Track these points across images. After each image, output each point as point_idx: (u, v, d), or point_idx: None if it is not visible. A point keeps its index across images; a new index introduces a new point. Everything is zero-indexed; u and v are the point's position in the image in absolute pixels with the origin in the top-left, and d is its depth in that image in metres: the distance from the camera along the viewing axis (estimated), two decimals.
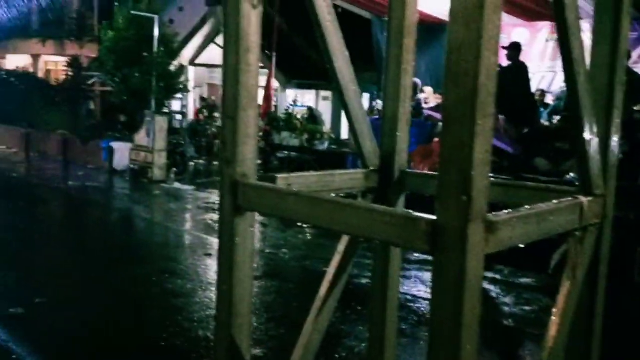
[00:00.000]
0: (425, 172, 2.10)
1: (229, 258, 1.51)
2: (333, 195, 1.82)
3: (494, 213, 1.27)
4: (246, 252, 1.54)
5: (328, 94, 18.09)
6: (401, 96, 1.91)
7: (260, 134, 16.90)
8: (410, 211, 1.30)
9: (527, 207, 1.45)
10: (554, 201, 1.57)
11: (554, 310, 1.69)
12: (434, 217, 1.22)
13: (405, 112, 1.95)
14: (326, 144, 15.50)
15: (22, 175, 14.99)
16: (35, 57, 23.73)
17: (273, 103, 15.81)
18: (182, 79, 15.43)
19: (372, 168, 1.98)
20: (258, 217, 9.59)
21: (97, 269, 7.59)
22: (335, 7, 1.83)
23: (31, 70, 23.32)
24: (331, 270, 1.93)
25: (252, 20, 1.51)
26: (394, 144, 1.95)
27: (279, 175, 1.64)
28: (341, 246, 1.94)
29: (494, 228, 1.26)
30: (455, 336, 1.17)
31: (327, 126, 17.30)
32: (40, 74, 23.63)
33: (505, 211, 1.35)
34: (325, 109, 18.21)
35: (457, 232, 1.16)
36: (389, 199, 1.97)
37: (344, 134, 17.36)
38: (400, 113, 1.93)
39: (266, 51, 12.95)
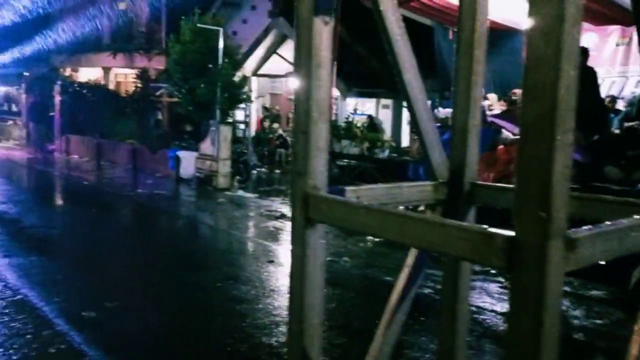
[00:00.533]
0: (496, 184, 2.04)
1: (300, 268, 1.54)
2: (401, 207, 1.82)
3: (573, 229, 1.23)
4: (317, 262, 1.56)
5: (388, 102, 18.01)
6: (471, 108, 1.89)
7: None
8: (486, 226, 1.28)
9: (607, 222, 1.40)
10: (636, 216, 1.51)
11: (636, 327, 1.61)
12: (511, 234, 1.20)
13: (475, 123, 1.92)
14: (387, 152, 15.43)
15: (93, 183, 15.66)
16: (106, 70, 24.72)
17: (333, 111, 15.89)
18: (245, 89, 15.72)
19: (440, 180, 1.96)
20: None
21: (164, 274, 7.82)
22: None
23: (102, 82, 24.33)
24: (400, 283, 1.93)
25: (323, 36, 1.53)
26: (464, 155, 1.93)
27: (348, 188, 1.65)
28: (410, 259, 1.93)
29: (574, 245, 1.22)
30: (535, 358, 1.13)
31: (387, 134, 17.23)
32: (111, 86, 24.61)
33: (585, 227, 1.30)
34: (385, 117, 18.14)
35: (536, 249, 1.14)
36: (458, 211, 1.95)
37: (405, 141, 17.23)
38: (470, 124, 1.91)
39: None
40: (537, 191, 1.12)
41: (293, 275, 1.59)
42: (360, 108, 19.45)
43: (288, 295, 5.89)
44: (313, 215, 1.57)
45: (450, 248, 1.32)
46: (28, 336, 5.32)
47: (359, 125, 17.34)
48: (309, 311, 1.52)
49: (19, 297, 6.32)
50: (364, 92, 16.95)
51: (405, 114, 17.67)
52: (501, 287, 7.17)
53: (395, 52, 1.73)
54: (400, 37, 1.72)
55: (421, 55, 2.17)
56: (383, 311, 2.31)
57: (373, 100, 18.51)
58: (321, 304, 1.61)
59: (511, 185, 1.93)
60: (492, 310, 6.36)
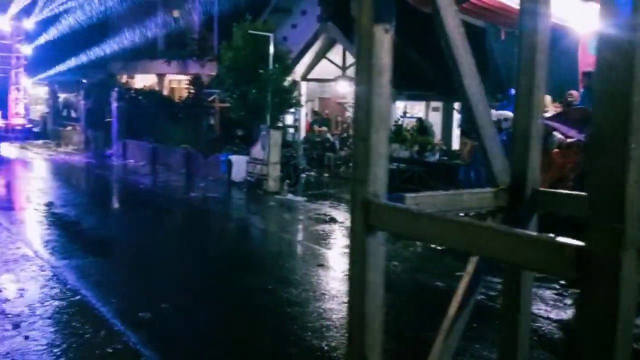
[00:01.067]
0: (560, 191, 1.97)
1: (361, 275, 1.54)
2: (462, 214, 1.79)
3: None
4: (377, 269, 1.55)
5: (438, 104, 17.79)
6: (533, 112, 1.85)
7: None
8: (554, 236, 1.24)
9: None
10: None
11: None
12: (582, 244, 1.16)
13: (537, 129, 1.88)
14: (437, 155, 15.23)
15: (148, 187, 16.09)
16: (161, 77, 25.39)
17: None
18: (295, 93, 15.86)
19: (502, 186, 1.93)
20: None
21: (216, 276, 7.96)
22: None
23: (157, 88, 25.00)
24: (460, 291, 1.90)
25: (384, 44, 1.53)
26: (526, 161, 1.89)
27: (407, 195, 1.64)
28: (470, 266, 1.90)
29: None
30: None
31: (437, 137, 17.01)
32: (165, 92, 25.26)
33: None
34: (435, 120, 17.92)
35: (608, 261, 1.10)
36: (520, 219, 1.91)
37: (455, 144, 16.97)
38: (532, 130, 1.87)
39: None
40: (610, 201, 1.09)
41: (352, 282, 1.59)
42: (409, 111, 19.29)
43: (338, 299, 5.91)
44: (373, 222, 1.57)
45: (517, 258, 1.29)
46: (87, 336, 5.51)
47: (408, 128, 17.19)
48: (370, 319, 1.51)
49: (78, 297, 6.56)
50: (414, 95, 16.80)
51: (456, 117, 17.41)
52: (556, 294, 6.97)
53: (456, 58, 1.71)
54: (461, 42, 1.70)
55: (473, 56, 2.14)
56: (435, 316, 2.28)
57: (422, 103, 18.32)
58: (381, 312, 1.60)
59: (576, 193, 1.88)
60: (547, 318, 6.19)
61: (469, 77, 1.76)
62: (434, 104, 17.95)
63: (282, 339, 5.92)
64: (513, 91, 8.01)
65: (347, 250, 9.29)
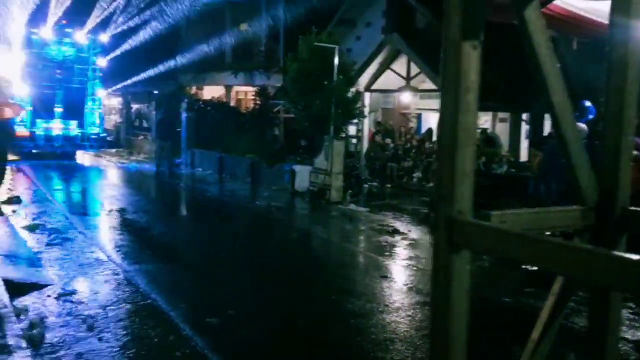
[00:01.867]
0: None
1: (445, 295, 1.52)
2: (548, 233, 1.75)
3: None
4: (462, 289, 1.53)
5: (506, 115, 17.37)
6: (624, 129, 1.78)
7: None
8: None
9: None
10: None
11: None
12: None
13: (628, 146, 1.81)
14: (505, 168, 14.86)
15: (216, 195, 16.49)
16: (228, 88, 26.04)
17: None
18: (359, 104, 15.87)
19: (589, 205, 1.86)
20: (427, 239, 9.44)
21: (279, 285, 8.04)
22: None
23: (224, 99, 25.64)
24: (545, 312, 1.84)
25: (472, 61, 1.52)
26: (616, 179, 1.81)
27: (493, 213, 1.61)
28: (556, 286, 1.84)
29: None
30: None
31: (505, 149, 16.60)
32: (232, 103, 25.88)
33: None
34: (503, 131, 17.50)
35: None
36: (609, 239, 1.83)
37: (524, 156, 16.50)
38: (623, 147, 1.79)
39: None
40: None
41: (436, 302, 1.58)
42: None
43: (403, 312, 5.84)
44: (458, 241, 1.55)
45: (616, 281, 1.25)
46: (156, 340, 5.68)
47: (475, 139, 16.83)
48: (454, 340, 1.49)
49: (148, 301, 6.78)
50: (481, 106, 16.47)
51: (524, 128, 16.94)
52: (632, 314, 6.65)
53: (544, 74, 1.67)
54: (549, 58, 1.66)
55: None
56: (506, 335, 2.21)
57: (490, 114, 17.94)
58: (465, 333, 1.57)
59: None
60: (624, 339, 5.91)
61: (558, 94, 1.71)
62: (501, 115, 17.53)
63: (346, 350, 5.91)
64: (587, 103, 7.70)
65: (410, 262, 9.19)
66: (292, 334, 6.17)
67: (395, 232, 11.42)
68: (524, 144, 16.84)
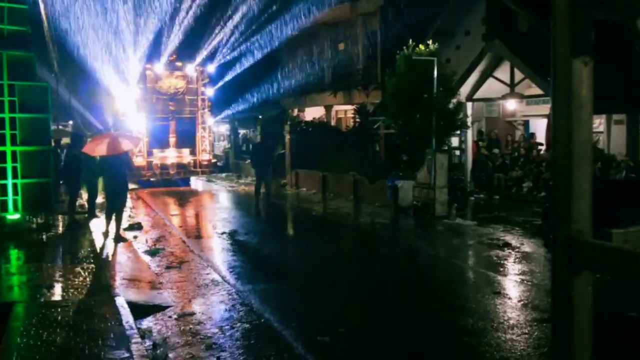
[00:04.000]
0: None
1: (566, 319, 1.46)
2: None
3: None
4: (585, 313, 1.46)
5: (621, 117, 16.25)
6: None
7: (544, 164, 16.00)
8: None
9: None
10: None
11: None
12: None
13: None
14: (623, 173, 13.91)
15: (320, 214, 16.74)
16: (328, 108, 26.49)
17: None
18: (461, 115, 15.54)
19: None
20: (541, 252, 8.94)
21: (387, 302, 8.00)
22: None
23: (325, 119, 26.10)
24: None
25: (583, 77, 1.46)
26: None
27: (614, 231, 1.53)
28: None
29: None
30: None
31: (622, 152, 15.53)
32: (332, 123, 26.28)
33: None
34: (619, 134, 16.38)
35: None
36: None
37: None
38: None
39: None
40: None
41: (557, 326, 1.51)
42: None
43: (518, 329, 5.61)
44: (578, 261, 1.49)
45: None
46: (271, 358, 5.84)
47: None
48: None
49: (262, 320, 7.00)
50: (595, 108, 15.54)
51: None
52: None
53: None
54: None
55: None
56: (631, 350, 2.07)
57: (603, 116, 16.87)
58: (589, 356, 1.49)
59: None
60: None
61: None
62: (616, 116, 16.43)
63: None
64: None
65: (524, 277, 8.81)
66: (403, 352, 6.11)
67: (506, 245, 11.01)
68: None
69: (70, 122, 29.72)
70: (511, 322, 6.87)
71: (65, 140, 18.47)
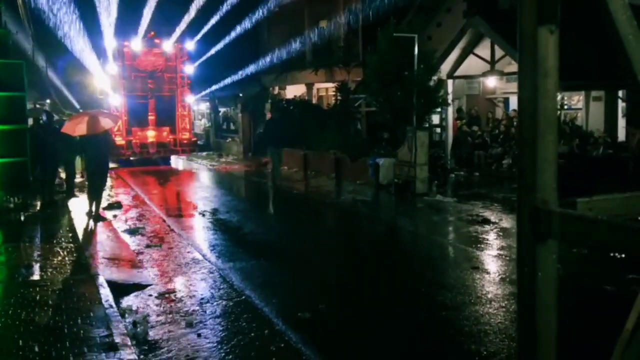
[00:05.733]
0: None
1: (530, 287, 1.48)
2: None
3: None
4: (549, 281, 1.48)
5: (600, 93, 16.38)
6: None
7: None
8: None
9: None
10: None
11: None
12: None
13: None
14: (601, 149, 14.09)
15: (302, 192, 16.75)
16: (309, 86, 26.32)
17: None
18: (441, 93, 15.53)
19: None
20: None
21: (367, 278, 8.07)
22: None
23: (306, 97, 25.95)
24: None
25: (549, 45, 1.46)
26: None
27: (579, 200, 1.55)
28: None
29: None
30: None
31: (600, 129, 15.70)
32: (314, 101, 26.14)
33: None
34: (597, 110, 16.55)
35: None
36: None
37: (621, 136, 15.53)
38: None
39: None
40: None
41: (522, 295, 1.53)
42: (567, 102, 18.03)
43: (495, 303, 5.70)
44: (543, 230, 1.50)
45: None
46: (252, 334, 5.88)
47: (567, 121, 16.08)
48: (542, 332, 1.44)
49: (242, 297, 7.02)
50: (572, 85, 15.66)
51: (621, 106, 15.92)
52: None
53: (630, 53, 1.58)
54: (633, 36, 1.57)
55: None
56: (603, 323, 2.12)
57: (582, 93, 17.00)
58: (555, 325, 1.52)
59: None
60: None
61: None
62: (594, 93, 16.56)
63: (438, 343, 5.85)
64: None
65: (502, 252, 8.94)
66: (381, 327, 6.18)
67: (485, 221, 11.14)
68: (621, 123, 15.84)
69: (47, 101, 29.22)
70: (489, 296, 6.98)
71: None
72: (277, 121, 18.53)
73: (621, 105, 15.93)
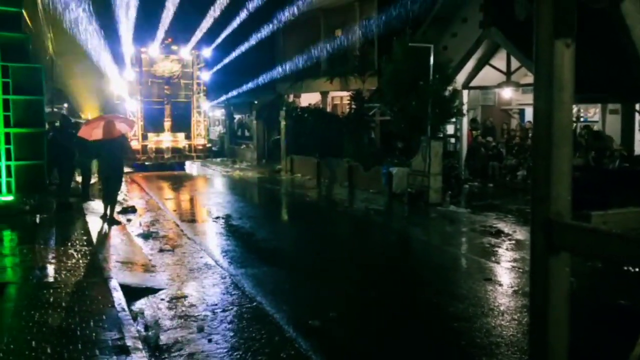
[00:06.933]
0: None
1: (543, 299, 1.48)
2: None
3: None
4: (561, 293, 1.48)
5: (616, 106, 16.24)
6: None
7: None
8: None
9: None
10: None
11: None
12: None
13: None
14: (617, 162, 13.95)
15: (314, 200, 16.76)
16: (324, 94, 26.39)
17: None
18: (456, 103, 15.48)
19: None
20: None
21: (379, 287, 8.04)
22: None
23: (320, 105, 26.01)
24: None
25: (565, 59, 1.47)
26: None
27: (594, 212, 1.54)
28: None
29: None
30: None
31: (616, 142, 15.56)
32: (328, 109, 26.20)
33: None
34: (613, 123, 16.40)
35: None
36: None
37: (638, 149, 15.37)
38: None
39: None
40: None
41: (534, 307, 1.53)
42: (583, 114, 17.90)
43: (508, 315, 5.66)
44: (556, 242, 1.50)
45: None
46: (262, 341, 5.89)
47: (583, 133, 15.95)
48: (553, 346, 1.44)
49: (254, 304, 7.03)
50: (587, 98, 15.54)
51: (638, 119, 15.77)
52: None
53: None
54: None
55: None
56: (616, 337, 2.10)
57: (598, 106, 16.87)
58: (567, 339, 1.51)
59: None
60: None
61: None
62: (611, 106, 16.43)
63: (449, 354, 5.82)
64: None
65: (515, 264, 8.87)
66: (393, 337, 6.16)
67: (499, 233, 11.06)
68: (637, 136, 15.70)
69: (65, 105, 29.56)
70: (501, 308, 6.93)
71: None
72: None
73: (638, 118, 15.78)
